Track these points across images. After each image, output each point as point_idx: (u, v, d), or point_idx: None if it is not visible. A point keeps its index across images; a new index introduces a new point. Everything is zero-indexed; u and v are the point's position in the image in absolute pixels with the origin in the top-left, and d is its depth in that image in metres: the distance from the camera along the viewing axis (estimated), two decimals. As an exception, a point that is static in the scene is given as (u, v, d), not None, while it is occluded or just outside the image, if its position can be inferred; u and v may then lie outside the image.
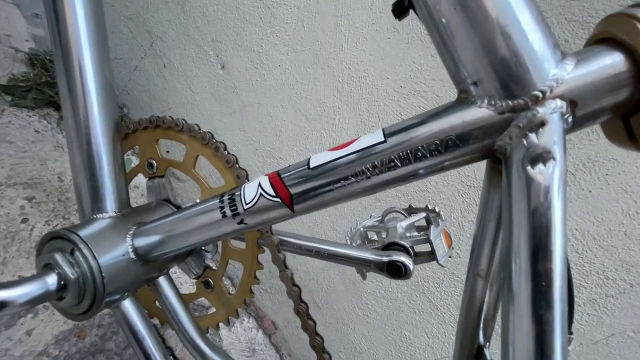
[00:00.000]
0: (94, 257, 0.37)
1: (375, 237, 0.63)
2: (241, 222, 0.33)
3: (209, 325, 0.53)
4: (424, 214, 0.59)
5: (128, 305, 0.41)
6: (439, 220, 0.53)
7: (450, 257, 0.51)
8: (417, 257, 0.50)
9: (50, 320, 0.85)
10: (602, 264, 0.74)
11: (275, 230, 0.47)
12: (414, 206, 0.65)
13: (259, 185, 0.32)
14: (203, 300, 1.04)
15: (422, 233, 0.52)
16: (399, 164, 0.25)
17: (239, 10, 0.96)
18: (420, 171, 0.25)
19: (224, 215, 0.33)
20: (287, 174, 0.30)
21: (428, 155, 0.24)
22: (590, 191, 0.72)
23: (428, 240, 0.49)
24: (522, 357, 0.19)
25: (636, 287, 0.73)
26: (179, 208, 0.50)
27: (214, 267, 0.52)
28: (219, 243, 0.50)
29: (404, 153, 0.25)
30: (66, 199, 1.02)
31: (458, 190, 0.84)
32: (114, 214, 0.43)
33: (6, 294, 0.33)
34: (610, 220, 0.72)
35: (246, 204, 0.32)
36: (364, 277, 0.56)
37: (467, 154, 0.24)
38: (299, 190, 0.29)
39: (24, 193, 0.95)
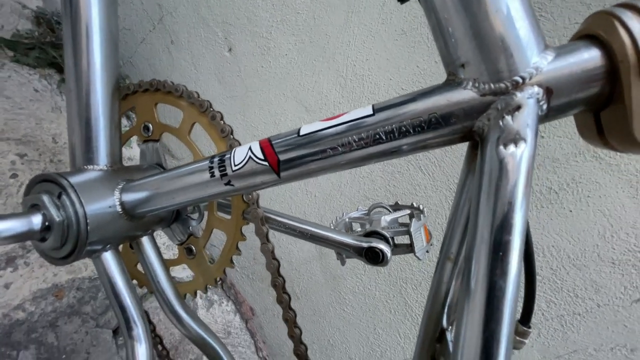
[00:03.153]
0: (81, 204, 0.37)
1: (359, 229, 0.64)
2: (228, 183, 0.34)
3: (187, 291, 0.53)
4: (408, 211, 0.60)
5: (109, 257, 0.42)
6: (421, 216, 0.54)
7: (427, 252, 0.52)
8: (396, 248, 0.52)
9: (29, 277, 0.85)
10: (574, 282, 0.76)
11: (262, 207, 0.48)
12: (400, 203, 0.66)
13: (249, 148, 0.33)
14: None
15: (404, 226, 0.53)
16: (384, 138, 0.26)
17: (253, -6, 0.97)
18: (404, 147, 0.27)
19: (212, 176, 0.34)
20: (277, 140, 0.32)
21: (412, 132, 0.26)
22: (571, 211, 0.74)
23: (408, 232, 0.50)
24: (473, 320, 0.21)
25: (603, 307, 0.75)
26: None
27: (198, 236, 0.53)
28: (205, 212, 0.51)
29: (390, 127, 0.26)
30: (58, 160, 1.02)
31: (446, 197, 0.86)
32: (105, 168, 0.44)
33: None
34: (586, 240, 0.74)
35: (234, 166, 0.33)
36: (343, 263, 0.57)
37: (449, 134, 0.25)
38: (287, 157, 0.30)
39: (16, 149, 0.95)
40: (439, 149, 0.27)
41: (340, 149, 0.28)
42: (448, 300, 0.35)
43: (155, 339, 0.60)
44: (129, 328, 0.41)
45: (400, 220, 0.60)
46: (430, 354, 0.38)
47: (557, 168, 0.73)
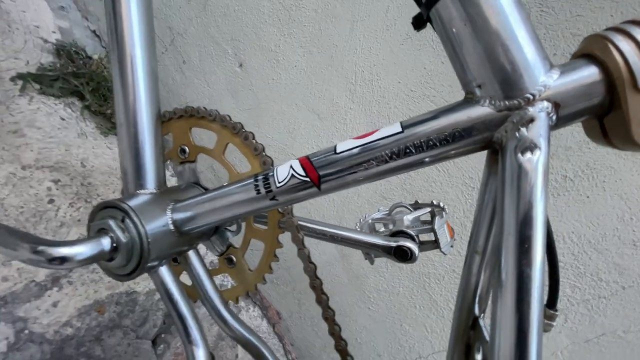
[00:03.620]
0: (142, 225, 0.42)
1: (382, 229, 0.68)
2: (273, 198, 0.38)
3: (230, 298, 0.58)
4: (429, 209, 0.64)
5: (164, 271, 0.47)
6: (443, 213, 0.58)
7: (451, 246, 0.56)
8: (422, 245, 0.55)
9: (74, 294, 0.90)
10: (597, 266, 0.79)
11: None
12: (419, 202, 0.70)
13: (291, 167, 0.37)
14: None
15: (427, 224, 0.57)
16: (413, 151, 0.30)
17: (259, 12, 1.02)
18: (431, 158, 0.31)
19: (258, 193, 0.39)
20: (316, 158, 0.36)
21: (438, 145, 0.30)
22: (588, 197, 0.77)
23: (432, 230, 0.54)
24: (506, 305, 0.25)
25: (628, 289, 0.77)
26: (206, 189, 0.55)
27: (236, 246, 0.58)
28: (243, 224, 0.56)
29: (418, 142, 0.30)
30: (88, 183, 1.07)
31: (462, 192, 0.89)
32: (155, 191, 0.48)
33: (67, 251, 0.39)
34: (606, 224, 0.76)
35: (279, 183, 0.37)
36: (372, 262, 0.61)
37: (471, 144, 0.29)
38: (326, 172, 0.35)
39: (50, 176, 1.01)
40: (461, 157, 0.31)
41: (374, 162, 0.32)
42: (479, 290, 0.38)
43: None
44: (188, 334, 0.46)
45: (422, 218, 0.63)
46: (465, 340, 0.42)
47: (571, 156, 0.75)
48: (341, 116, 0.98)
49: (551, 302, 0.38)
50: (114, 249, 0.42)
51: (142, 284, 1.06)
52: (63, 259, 0.38)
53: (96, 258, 0.40)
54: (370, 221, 0.69)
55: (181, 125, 0.55)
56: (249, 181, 0.40)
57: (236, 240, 0.58)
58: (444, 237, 0.54)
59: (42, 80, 1.08)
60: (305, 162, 0.36)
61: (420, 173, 0.92)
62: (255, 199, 0.39)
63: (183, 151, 0.57)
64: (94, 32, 1.28)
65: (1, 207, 0.89)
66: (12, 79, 1.02)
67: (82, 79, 1.08)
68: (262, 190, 0.38)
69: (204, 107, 0.53)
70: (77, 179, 1.06)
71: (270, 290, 1.34)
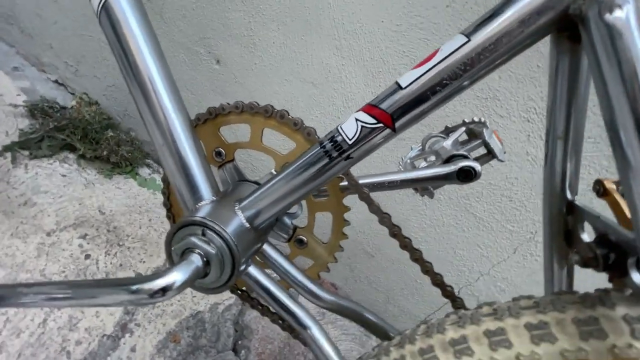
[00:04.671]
0: (225, 231, 0.42)
1: (423, 164, 0.68)
2: (348, 157, 0.38)
3: (312, 276, 0.58)
4: (463, 128, 0.64)
5: (254, 271, 0.47)
6: (485, 125, 0.58)
7: (505, 152, 0.56)
8: (478, 160, 0.56)
9: (145, 334, 0.91)
10: None
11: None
12: (449, 126, 0.69)
13: (357, 120, 0.36)
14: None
15: (477, 140, 0.57)
16: (488, 55, 0.30)
17: (219, 1, 0.97)
18: (505, 57, 0.30)
19: (331, 157, 0.38)
20: (381, 101, 0.35)
21: (511, 39, 0.29)
22: None
23: (484, 142, 0.54)
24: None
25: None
26: (256, 183, 0.55)
27: (302, 226, 0.58)
28: (303, 202, 0.55)
29: (489, 43, 0.29)
30: (114, 228, 1.06)
31: (475, 105, 0.90)
32: (213, 198, 0.48)
33: (165, 281, 0.38)
34: None
35: (350, 140, 0.37)
36: (432, 196, 0.61)
37: (545, 27, 0.28)
38: (398, 110, 0.34)
39: (76, 233, 0.99)
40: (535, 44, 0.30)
41: (447, 82, 0.32)
42: (567, 174, 0.39)
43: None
44: (299, 321, 0.46)
45: (460, 140, 0.63)
46: (563, 228, 0.43)
47: None
48: (336, 76, 0.97)
49: None
50: (206, 264, 0.42)
51: (202, 302, 1.07)
52: (164, 290, 0.38)
53: (193, 278, 0.40)
54: (409, 161, 0.69)
55: (208, 129, 0.54)
56: (314, 152, 0.39)
57: (300, 221, 0.58)
58: (496, 146, 0.55)
59: (29, 145, 1.04)
60: (371, 109, 0.35)
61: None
62: (329, 164, 0.39)
63: (219, 154, 0.55)
64: (56, 81, 1.22)
65: (44, 277, 0.88)
66: (0, 154, 0.98)
67: (66, 131, 1.04)
68: (334, 154, 0.38)
69: (228, 103, 0.51)
70: (102, 228, 1.04)
71: (319, 267, 1.36)
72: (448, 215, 1.06)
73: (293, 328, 0.48)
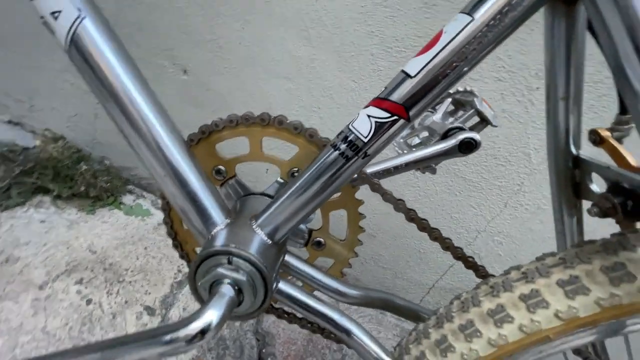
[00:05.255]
0: (250, 254, 0.40)
1: (417, 141, 0.68)
2: (365, 155, 0.37)
3: (335, 275, 0.58)
4: (449, 99, 0.64)
5: (284, 286, 0.46)
6: (473, 93, 0.58)
7: (496, 117, 0.58)
8: (474, 129, 0.57)
9: (170, 365, 0.89)
10: None
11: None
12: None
13: (368, 116, 0.36)
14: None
15: (466, 110, 0.58)
16: (494, 30, 0.30)
17: (175, 8, 0.92)
18: (509, 29, 0.30)
19: (348, 158, 0.37)
20: (390, 93, 0.34)
21: (513, 10, 0.29)
22: None
23: (477, 111, 0.55)
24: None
25: None
26: (264, 194, 0.53)
27: (316, 228, 0.57)
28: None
29: (493, 18, 0.29)
30: (109, 265, 1.01)
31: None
32: (227, 221, 0.46)
33: (201, 322, 0.37)
34: None
35: (365, 137, 0.36)
36: (434, 172, 0.62)
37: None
38: (411, 100, 0.34)
39: (71, 280, 0.94)
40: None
41: (457, 63, 0.31)
42: (571, 131, 0.40)
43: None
44: (340, 327, 0.46)
45: (448, 110, 0.64)
46: (571, 182, 0.45)
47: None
48: (309, 67, 0.95)
49: None
50: (239, 292, 0.40)
51: (217, 319, 1.05)
52: (203, 332, 0.37)
53: (229, 311, 0.38)
54: (402, 140, 0.69)
55: (204, 148, 0.51)
56: (327, 155, 0.39)
57: (314, 224, 0.57)
58: (489, 113, 0.56)
59: (-4, 197, 0.96)
60: (382, 102, 0.35)
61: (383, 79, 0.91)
62: (346, 165, 0.38)
63: (218, 172, 0.53)
64: (10, 122, 1.13)
65: (48, 335, 0.83)
66: (-32, 213, 0.90)
67: (35, 173, 0.97)
68: (350, 153, 0.37)
69: (220, 118, 0.49)
70: (98, 267, 0.99)
71: (323, 258, 1.37)
72: (440, 183, 1.09)
73: (332, 333, 0.48)
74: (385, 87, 0.35)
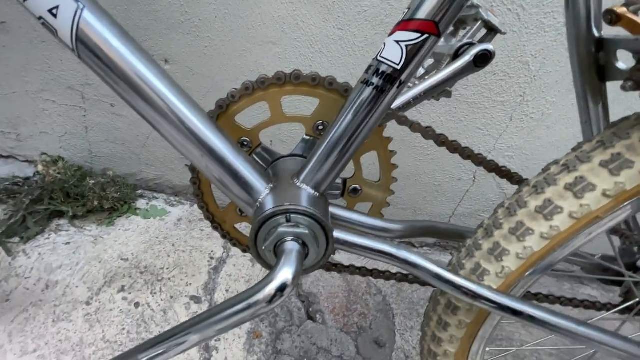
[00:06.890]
0: (305, 207, 0.41)
1: (427, 65, 0.66)
2: (400, 83, 0.37)
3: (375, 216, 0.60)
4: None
5: (340, 234, 0.47)
6: (478, 5, 0.57)
7: (503, 24, 0.57)
8: (485, 41, 0.56)
9: (229, 345, 0.93)
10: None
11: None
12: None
13: (397, 42, 0.35)
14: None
15: (469, 25, 0.57)
16: None
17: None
18: None
19: (381, 90, 0.37)
20: (415, 13, 0.34)
21: None
22: None
23: (484, 22, 0.54)
24: None
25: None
26: (294, 155, 0.53)
27: (349, 176, 0.58)
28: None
29: None
30: (144, 268, 1.03)
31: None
32: (270, 186, 0.46)
33: (278, 281, 0.38)
34: None
35: (398, 65, 0.35)
36: (450, 95, 0.62)
37: None
38: (439, 11, 0.33)
39: (114, 289, 0.96)
40: None
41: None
42: (592, 10, 0.40)
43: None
44: (407, 262, 0.47)
45: (448, 33, 0.63)
46: (595, 67, 0.45)
47: None
48: (292, 25, 0.91)
49: None
50: (304, 245, 0.41)
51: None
52: (281, 289, 0.38)
53: (300, 264, 0.40)
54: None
55: (224, 123, 0.50)
56: (360, 93, 0.38)
57: (346, 172, 0.58)
58: (495, 21, 0.55)
59: (15, 231, 0.96)
60: (409, 24, 0.34)
61: (370, 20, 0.89)
62: (382, 98, 0.38)
63: (243, 144, 0.53)
64: (1, 157, 1.09)
65: (110, 343, 0.86)
66: (-8, 251, 0.90)
67: (45, 200, 0.95)
68: (385, 85, 0.37)
69: (235, 88, 0.48)
70: (135, 273, 1.01)
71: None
72: (443, 113, 1.09)
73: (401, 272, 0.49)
74: (408, 8, 0.34)
